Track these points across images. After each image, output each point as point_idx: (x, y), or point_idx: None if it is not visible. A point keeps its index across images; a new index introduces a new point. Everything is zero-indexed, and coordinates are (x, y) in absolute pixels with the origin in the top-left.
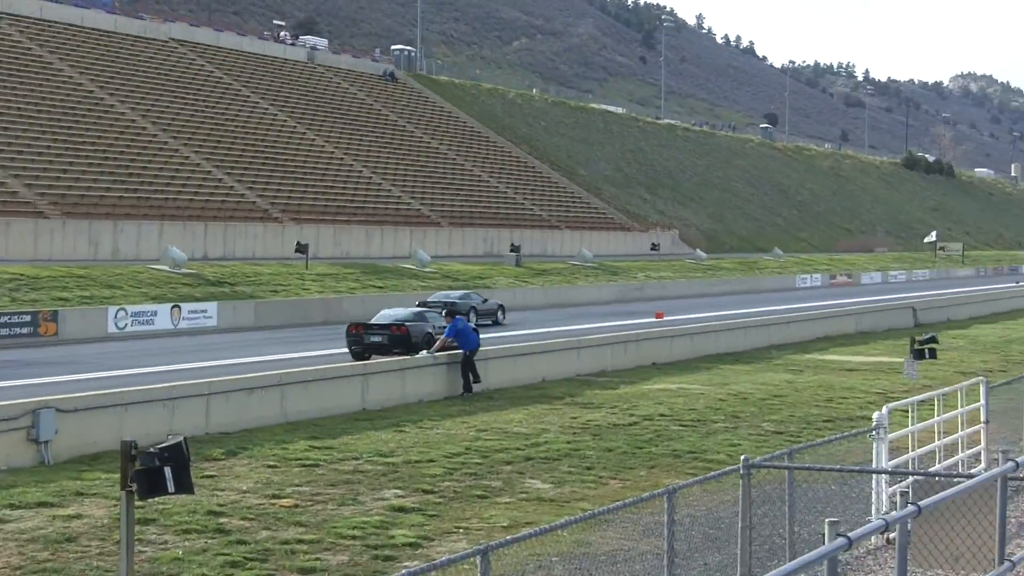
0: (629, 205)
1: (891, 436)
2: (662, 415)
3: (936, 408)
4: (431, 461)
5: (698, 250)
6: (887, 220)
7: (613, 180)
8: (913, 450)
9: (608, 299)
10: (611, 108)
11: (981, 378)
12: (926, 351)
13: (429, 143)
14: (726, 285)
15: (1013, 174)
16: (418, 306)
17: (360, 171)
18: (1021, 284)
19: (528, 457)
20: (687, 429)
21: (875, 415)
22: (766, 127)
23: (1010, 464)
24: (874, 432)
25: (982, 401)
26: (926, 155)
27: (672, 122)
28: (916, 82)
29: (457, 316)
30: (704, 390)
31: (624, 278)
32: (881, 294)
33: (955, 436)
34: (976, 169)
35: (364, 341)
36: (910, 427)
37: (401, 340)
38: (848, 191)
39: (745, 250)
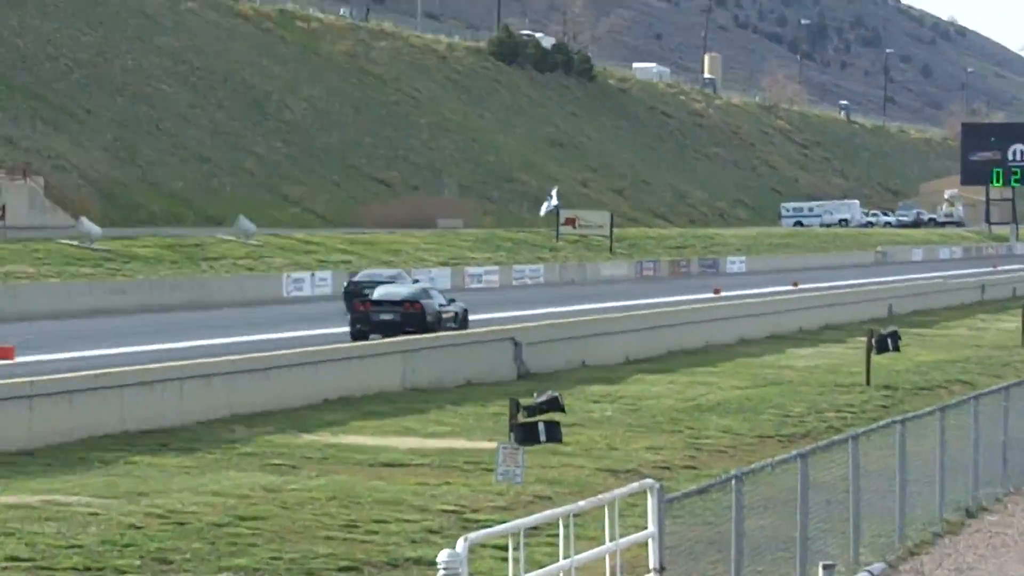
0: None
1: None
2: (13, 560)
3: (563, 541)
4: None
5: (85, 219)
6: (461, 163)
7: None
8: None
9: None
10: None
11: (649, 482)
12: (540, 428)
13: None
14: (144, 293)
15: (708, 75)
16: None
17: None
18: (724, 298)
19: None
20: None
21: (443, 556)
22: None
23: None
24: None
25: (651, 528)
26: (537, 36)
27: None
28: None
29: None
30: (101, 506)
31: None
32: None
33: None
34: (636, 65)
35: (372, 319)
36: None
37: (415, 318)
38: (385, 103)
39: (182, 221)
